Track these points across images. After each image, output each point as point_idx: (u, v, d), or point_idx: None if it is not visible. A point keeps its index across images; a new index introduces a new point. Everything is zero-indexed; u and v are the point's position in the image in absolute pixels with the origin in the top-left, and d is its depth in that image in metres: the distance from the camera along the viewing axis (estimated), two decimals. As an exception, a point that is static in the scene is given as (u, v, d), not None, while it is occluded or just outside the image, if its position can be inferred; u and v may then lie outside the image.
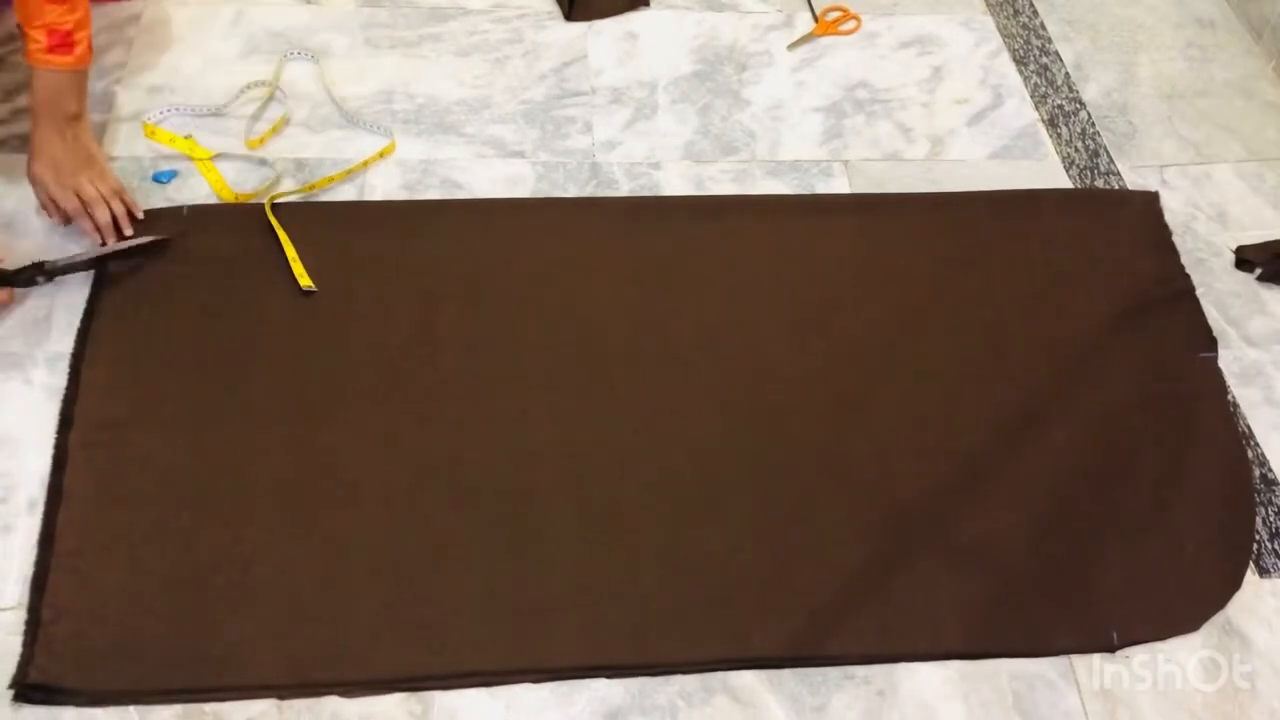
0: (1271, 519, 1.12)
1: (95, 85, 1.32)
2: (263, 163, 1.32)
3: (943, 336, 1.23)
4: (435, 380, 1.13)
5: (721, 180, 1.38)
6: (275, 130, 1.35)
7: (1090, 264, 1.31)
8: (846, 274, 1.28)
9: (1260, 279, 1.33)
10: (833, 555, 1.05)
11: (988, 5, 1.68)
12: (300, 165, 1.33)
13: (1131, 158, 1.47)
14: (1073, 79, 1.58)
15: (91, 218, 1.17)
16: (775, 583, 1.03)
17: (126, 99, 1.37)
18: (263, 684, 0.93)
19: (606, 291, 1.23)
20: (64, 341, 1.12)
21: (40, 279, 1.14)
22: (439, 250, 1.24)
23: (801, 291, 1.26)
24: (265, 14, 1.50)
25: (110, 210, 1.18)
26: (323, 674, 0.94)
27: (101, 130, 1.31)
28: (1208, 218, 1.40)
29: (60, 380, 1.09)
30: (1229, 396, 1.21)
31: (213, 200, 1.27)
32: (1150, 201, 1.40)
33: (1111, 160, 1.46)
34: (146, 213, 1.22)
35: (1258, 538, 1.10)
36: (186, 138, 1.31)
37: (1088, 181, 1.43)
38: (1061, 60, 1.61)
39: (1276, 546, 1.10)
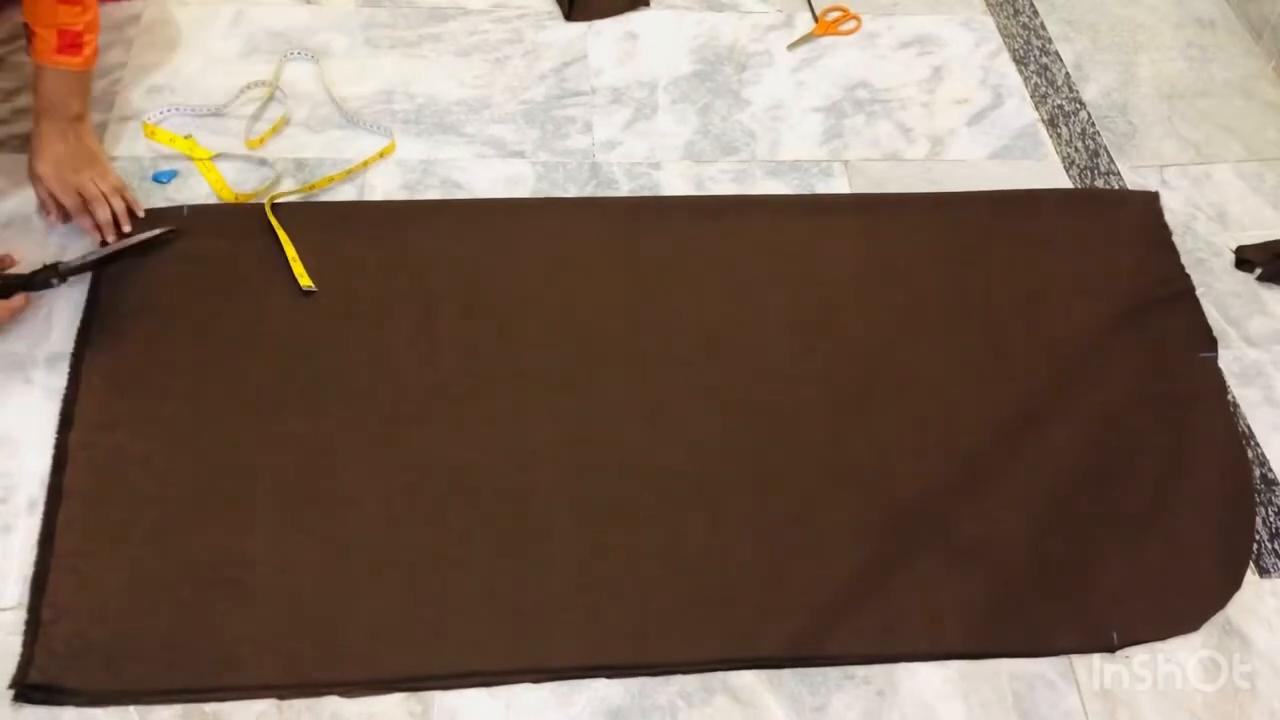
0: (1271, 519, 1.12)
1: (95, 85, 1.32)
2: (263, 163, 1.32)
3: (943, 336, 1.23)
4: (435, 380, 1.13)
5: (721, 180, 1.38)
6: (275, 130, 1.35)
7: (1090, 264, 1.31)
8: (846, 274, 1.28)
9: (1260, 279, 1.33)
10: (833, 555, 1.05)
11: (988, 5, 1.68)
12: (300, 165, 1.33)
13: (1131, 158, 1.47)
14: (1073, 79, 1.58)
15: (91, 215, 1.17)
16: (775, 583, 1.03)
17: (126, 99, 1.36)
18: (263, 684, 0.93)
19: (606, 291, 1.23)
20: (64, 341, 1.12)
21: (55, 280, 1.13)
22: (439, 250, 1.24)
23: (801, 291, 1.25)
24: (265, 14, 1.50)
25: (110, 208, 1.18)
26: (323, 674, 0.94)
27: (102, 130, 1.31)
28: (1208, 218, 1.40)
29: (60, 380, 1.09)
30: (1229, 396, 1.21)
31: (213, 200, 1.27)
32: (1150, 201, 1.40)
33: (1111, 160, 1.46)
34: (147, 212, 1.22)
35: (1258, 538, 1.10)
36: (186, 138, 1.31)
37: (1088, 181, 1.43)
38: (1061, 60, 1.61)
39: (1276, 546, 1.10)
